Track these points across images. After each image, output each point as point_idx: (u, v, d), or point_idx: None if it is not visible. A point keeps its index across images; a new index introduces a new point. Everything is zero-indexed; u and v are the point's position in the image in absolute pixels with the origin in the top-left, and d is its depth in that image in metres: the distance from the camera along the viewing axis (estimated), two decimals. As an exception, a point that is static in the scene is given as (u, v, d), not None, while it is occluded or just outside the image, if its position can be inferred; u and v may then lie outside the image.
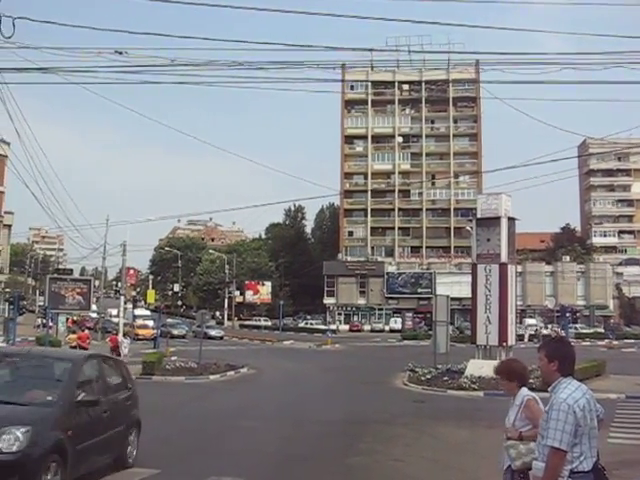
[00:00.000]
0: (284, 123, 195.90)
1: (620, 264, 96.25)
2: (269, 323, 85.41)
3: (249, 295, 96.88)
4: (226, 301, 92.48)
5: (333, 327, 79.92)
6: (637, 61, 15.34)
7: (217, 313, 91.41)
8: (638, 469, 11.29)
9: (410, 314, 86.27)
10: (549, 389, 4.82)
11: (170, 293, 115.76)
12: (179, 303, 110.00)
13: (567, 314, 46.22)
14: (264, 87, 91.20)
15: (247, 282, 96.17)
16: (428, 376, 26.27)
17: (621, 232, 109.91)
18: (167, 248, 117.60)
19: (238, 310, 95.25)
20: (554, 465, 4.57)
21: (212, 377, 28.26)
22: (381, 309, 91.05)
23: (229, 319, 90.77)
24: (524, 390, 5.99)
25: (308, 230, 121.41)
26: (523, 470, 5.58)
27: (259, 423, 16.30)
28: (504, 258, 26.24)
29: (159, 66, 15.82)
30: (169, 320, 68.39)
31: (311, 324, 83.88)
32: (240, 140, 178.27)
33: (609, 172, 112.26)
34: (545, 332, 51.16)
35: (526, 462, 5.51)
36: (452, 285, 75.26)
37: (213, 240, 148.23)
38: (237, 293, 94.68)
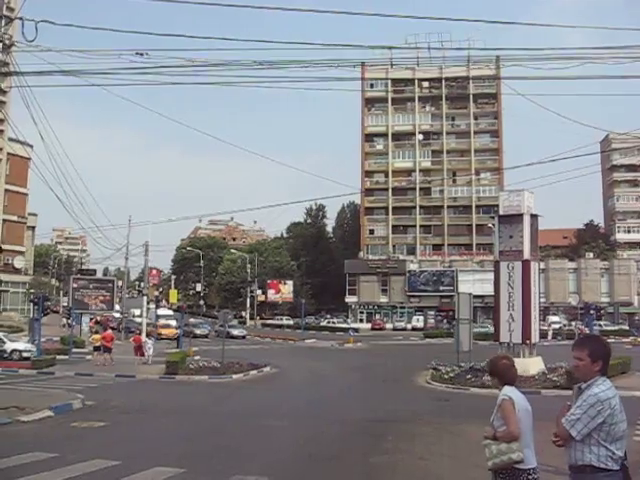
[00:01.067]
0: (305, 122, 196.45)
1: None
2: (291, 322, 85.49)
3: (271, 294, 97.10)
4: (248, 300, 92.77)
5: (355, 326, 79.94)
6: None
7: (243, 313, 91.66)
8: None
9: (432, 312, 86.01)
10: (582, 386, 4.82)
11: (192, 293, 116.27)
12: (201, 303, 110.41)
13: (591, 311, 45.68)
14: (284, 87, 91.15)
15: (269, 281, 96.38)
16: (451, 374, 26.22)
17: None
18: (189, 248, 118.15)
19: (260, 309, 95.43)
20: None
21: (235, 376, 28.39)
22: (403, 307, 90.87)
23: (251, 318, 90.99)
24: (505, 389, 5.90)
25: (329, 229, 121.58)
26: (500, 470, 5.57)
27: (282, 422, 16.35)
28: (527, 255, 26.11)
29: (179, 67, 15.91)
30: (191, 320, 68.73)
31: (333, 323, 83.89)
32: (261, 140, 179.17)
33: (632, 167, 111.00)
34: (585, 330, 50.70)
35: (496, 463, 5.52)
36: (474, 283, 75.03)
37: (234, 240, 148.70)
38: (259, 292, 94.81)
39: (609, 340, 57.58)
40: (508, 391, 5.87)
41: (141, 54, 15.26)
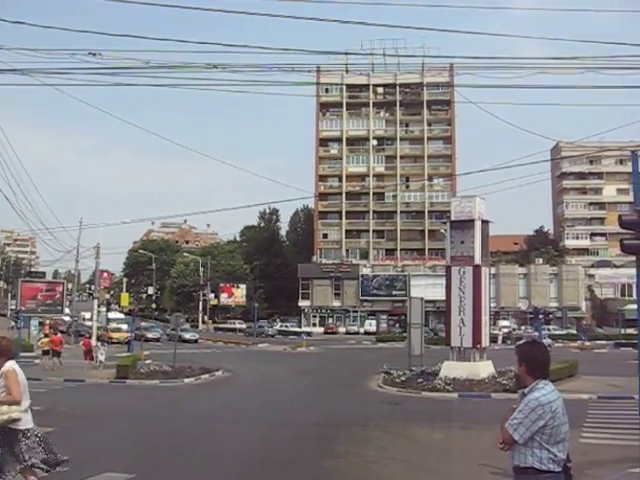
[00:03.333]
0: (260, 126, 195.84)
1: (592, 266, 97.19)
2: (244, 326, 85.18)
3: (224, 298, 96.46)
4: (200, 304, 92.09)
5: (308, 329, 79.98)
6: (609, 66, 15.56)
7: (205, 318, 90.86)
8: (609, 469, 11.44)
9: (385, 316, 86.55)
10: (525, 391, 4.91)
11: (144, 296, 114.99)
12: (153, 306, 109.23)
13: (540, 316, 46.41)
14: (239, 90, 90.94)
15: (222, 285, 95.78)
16: (403, 378, 26.36)
17: (593, 234, 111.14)
18: (141, 251, 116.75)
19: (213, 313, 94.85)
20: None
21: (187, 380, 28.17)
22: (356, 311, 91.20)
23: (204, 322, 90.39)
24: (8, 363, 7.19)
25: (283, 233, 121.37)
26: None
27: (234, 426, 16.29)
28: (478, 260, 26.41)
29: (134, 68, 15.75)
30: (143, 323, 67.94)
31: (286, 327, 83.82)
32: (215, 143, 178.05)
33: (581, 175, 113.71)
34: (534, 334, 51.52)
35: None
36: (426, 287, 75.61)
37: (187, 243, 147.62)
38: (212, 296, 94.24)
39: (557, 344, 58.79)
40: (11, 364, 7.20)
41: (94, 54, 15.08)
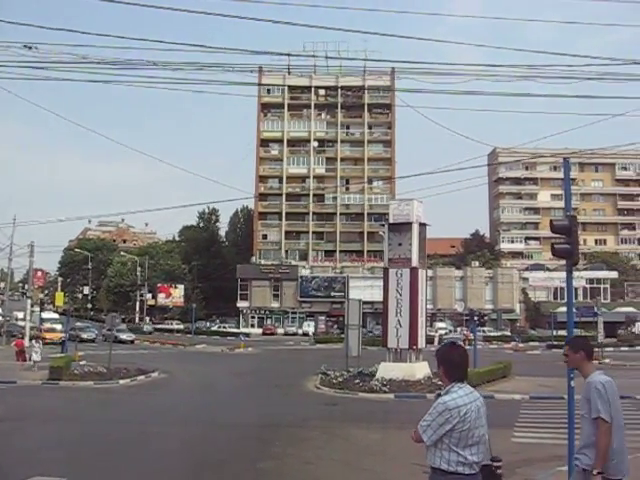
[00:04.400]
0: (201, 125, 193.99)
1: (526, 269, 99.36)
2: (181, 326, 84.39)
3: (161, 298, 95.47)
4: (138, 304, 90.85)
5: (246, 330, 79.67)
6: (544, 75, 15.96)
7: (151, 320, 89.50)
8: (539, 467, 11.72)
9: (323, 317, 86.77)
10: (442, 393, 4.97)
11: (80, 296, 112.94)
12: (89, 306, 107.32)
13: (475, 318, 47.03)
14: (180, 88, 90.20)
15: (159, 285, 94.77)
16: (340, 379, 26.48)
17: (528, 238, 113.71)
18: (77, 250, 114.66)
19: (150, 313, 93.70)
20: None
21: (122, 382, 27.75)
22: (294, 313, 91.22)
23: (141, 322, 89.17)
24: None
25: (222, 233, 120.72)
26: None
27: (170, 428, 16.13)
28: (415, 263, 26.72)
29: (71, 63, 15.48)
30: (78, 324, 66.63)
31: (224, 327, 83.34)
32: (155, 141, 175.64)
33: (517, 180, 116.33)
34: (469, 335, 52.32)
35: None
36: (365, 289, 76.19)
37: (125, 242, 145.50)
38: (149, 296, 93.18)
39: (492, 346, 59.89)
40: None
41: (29, 47, 14.77)
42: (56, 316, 69.77)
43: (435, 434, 4.74)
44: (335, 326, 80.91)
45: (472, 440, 4.76)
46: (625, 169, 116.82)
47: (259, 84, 77.30)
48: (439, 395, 4.96)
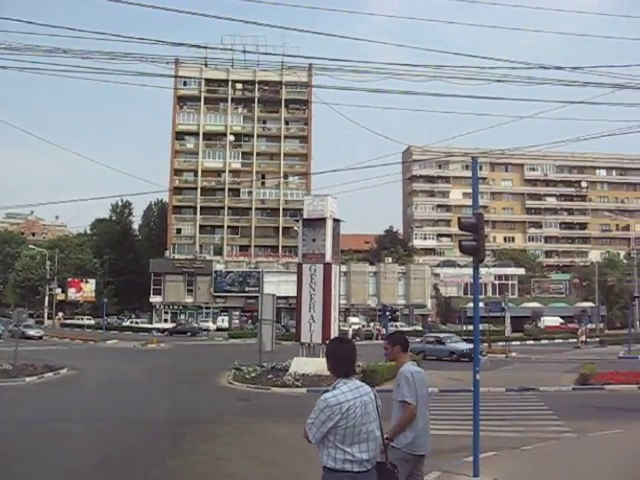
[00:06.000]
0: (116, 116, 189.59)
1: (438, 265, 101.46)
2: (92, 322, 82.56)
3: (72, 293, 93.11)
4: (47, 299, 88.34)
5: (159, 326, 78.63)
6: (454, 76, 16.32)
7: (60, 315, 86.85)
8: (446, 458, 11.97)
9: (237, 312, 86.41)
10: (330, 388, 4.91)
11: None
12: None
13: (387, 313, 48.02)
14: (90, 77, 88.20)
15: (70, 279, 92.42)
16: (253, 374, 26.46)
17: (440, 235, 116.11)
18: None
19: (60, 308, 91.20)
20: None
21: (28, 379, 26.90)
22: (208, 308, 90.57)
23: (50, 318, 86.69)
24: None
25: (135, 227, 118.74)
26: None
27: (78, 426, 15.77)
28: (328, 258, 26.92)
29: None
30: (-18, 319, 64.34)
31: (136, 323, 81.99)
32: (67, 131, 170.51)
33: (430, 179, 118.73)
34: (382, 330, 52.92)
35: None
36: (279, 284, 76.26)
37: (34, 235, 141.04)
38: (59, 291, 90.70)
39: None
40: None
41: None
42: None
43: (319, 432, 4.66)
44: (249, 321, 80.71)
45: (360, 437, 4.68)
46: (533, 170, 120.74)
47: (175, 76, 76.28)
48: (326, 392, 4.86)
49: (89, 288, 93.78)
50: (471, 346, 39.83)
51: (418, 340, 43.01)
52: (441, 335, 44.64)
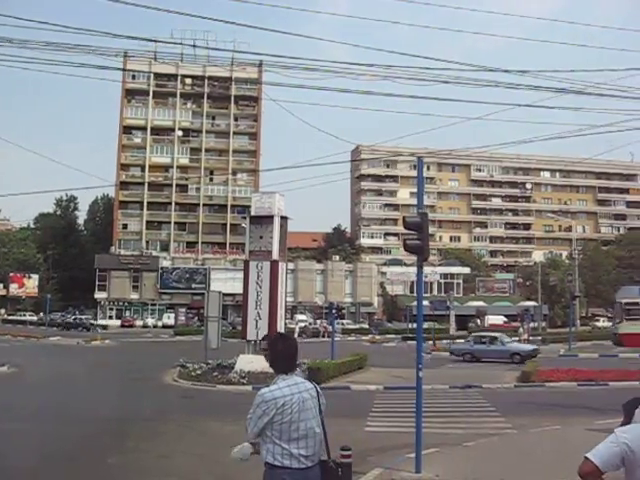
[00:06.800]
0: (60, 108, 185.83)
1: (385, 264, 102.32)
2: (35, 318, 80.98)
3: (14, 288, 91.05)
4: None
5: (104, 322, 77.58)
6: (402, 76, 16.46)
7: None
8: (389, 454, 12.11)
9: (184, 310, 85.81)
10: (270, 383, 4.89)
11: None
12: None
13: (334, 310, 47.93)
14: (35, 69, 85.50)
15: (12, 274, 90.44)
16: (198, 372, 26.29)
17: (387, 234, 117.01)
18: None
19: (1, 304, 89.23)
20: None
21: (-34, 377, 26.32)
22: (154, 304, 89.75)
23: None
24: None
25: (81, 221, 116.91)
26: None
27: (18, 424, 15.42)
28: (275, 255, 26.91)
29: None
30: None
31: (80, 319, 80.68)
32: (6, 123, 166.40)
33: (378, 178, 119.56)
34: (328, 328, 53.10)
35: None
36: (226, 281, 76.05)
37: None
38: (0, 286, 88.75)
39: (350, 338, 61.22)
40: None
41: None
42: None
43: (256, 427, 4.67)
44: (196, 318, 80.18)
45: (297, 433, 4.68)
46: (480, 170, 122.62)
47: (124, 69, 75.22)
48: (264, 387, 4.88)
49: (32, 284, 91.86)
50: (535, 347, 39.26)
51: (461, 341, 39.42)
52: (496, 334, 39.98)
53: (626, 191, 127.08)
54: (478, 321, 79.42)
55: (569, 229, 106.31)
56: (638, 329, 42.41)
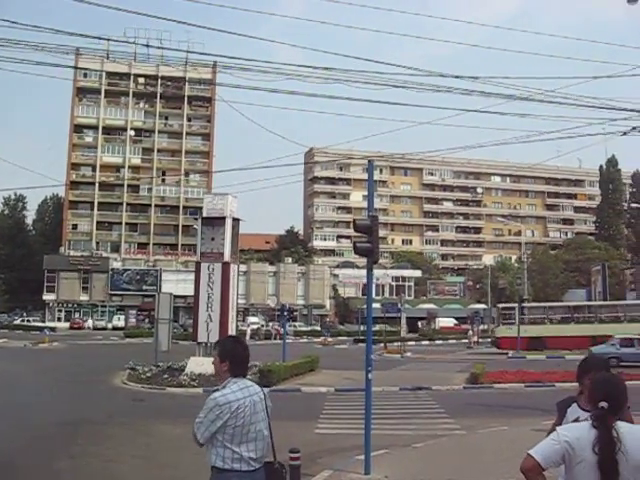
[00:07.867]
0: (7, 106, 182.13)
1: (337, 266, 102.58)
2: (-20, 320, 79.22)
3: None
4: None
5: (52, 324, 76.27)
6: (353, 79, 16.58)
7: None
8: (339, 456, 12.17)
9: (134, 311, 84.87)
10: (219, 387, 4.86)
11: None
12: None
13: (286, 312, 47.94)
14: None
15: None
16: (148, 374, 26.06)
17: (339, 237, 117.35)
18: None
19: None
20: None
21: None
22: (104, 306, 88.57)
23: None
24: None
25: (29, 221, 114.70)
26: None
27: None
28: (227, 257, 26.84)
29: None
30: None
31: (28, 321, 79.17)
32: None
33: (331, 180, 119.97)
34: (280, 330, 53.09)
35: None
36: (178, 283, 75.52)
37: None
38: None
39: (302, 340, 61.27)
40: None
41: None
42: None
43: (207, 431, 4.64)
44: (146, 320, 79.34)
45: (248, 436, 4.70)
46: (432, 174, 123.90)
47: (75, 67, 74.03)
48: (215, 391, 4.84)
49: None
50: None
51: (602, 345, 34.18)
52: None
53: (574, 196, 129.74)
54: (429, 323, 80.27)
55: (518, 233, 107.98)
56: (512, 332, 43.92)
